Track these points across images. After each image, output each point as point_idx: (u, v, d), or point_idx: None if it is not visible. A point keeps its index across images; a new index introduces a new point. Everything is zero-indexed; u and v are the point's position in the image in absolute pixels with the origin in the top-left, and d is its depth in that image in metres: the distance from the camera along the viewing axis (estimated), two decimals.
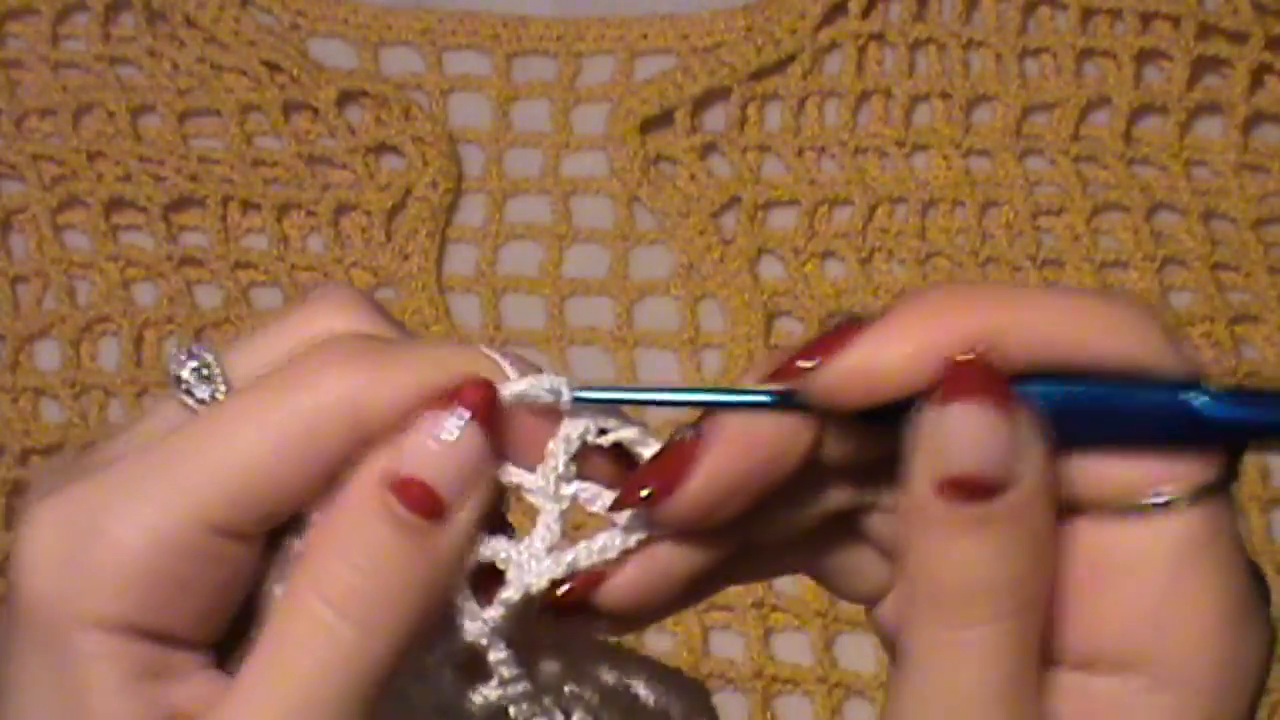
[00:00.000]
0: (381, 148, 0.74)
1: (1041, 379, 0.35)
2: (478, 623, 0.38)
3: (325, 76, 0.73)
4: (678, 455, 0.36)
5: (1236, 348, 0.72)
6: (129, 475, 0.37)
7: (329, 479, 0.37)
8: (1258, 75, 0.74)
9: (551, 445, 0.38)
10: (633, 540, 0.38)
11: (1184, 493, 0.35)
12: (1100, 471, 0.35)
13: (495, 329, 0.73)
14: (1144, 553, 0.35)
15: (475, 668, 0.39)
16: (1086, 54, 0.75)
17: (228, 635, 0.38)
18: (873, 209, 0.74)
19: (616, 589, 0.37)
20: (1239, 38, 0.74)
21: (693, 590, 0.38)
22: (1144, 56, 0.75)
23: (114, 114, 0.73)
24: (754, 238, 0.73)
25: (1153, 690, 0.35)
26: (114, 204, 0.73)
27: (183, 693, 0.37)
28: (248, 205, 0.73)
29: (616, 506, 0.37)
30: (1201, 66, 0.75)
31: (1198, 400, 0.35)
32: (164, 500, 0.36)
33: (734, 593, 0.68)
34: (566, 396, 0.37)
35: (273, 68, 0.73)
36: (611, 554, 0.38)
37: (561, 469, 0.38)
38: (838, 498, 0.37)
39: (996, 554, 0.35)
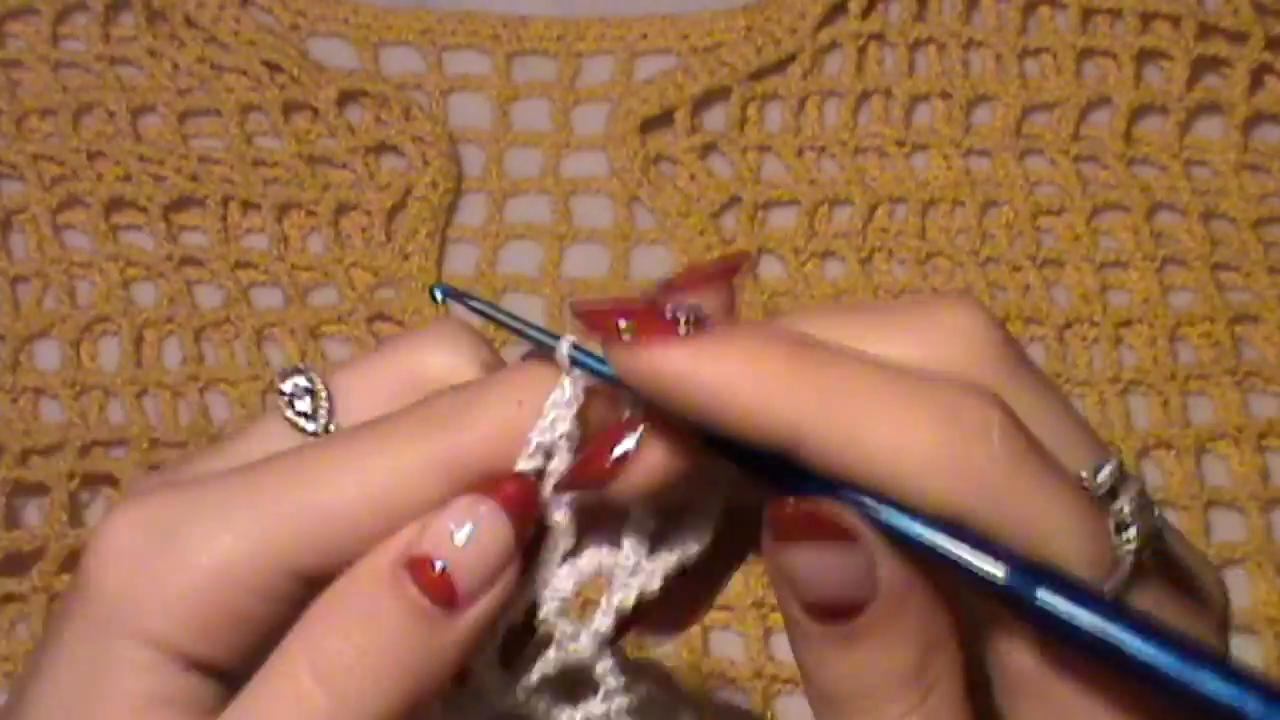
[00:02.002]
0: (381, 148, 0.74)
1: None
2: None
3: (325, 76, 0.73)
4: (607, 443, 0.35)
5: (1236, 348, 0.72)
6: (216, 495, 0.36)
7: (407, 521, 0.36)
8: (1258, 75, 0.74)
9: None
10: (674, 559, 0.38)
11: None
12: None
13: (495, 329, 0.73)
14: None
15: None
16: (1086, 54, 0.75)
17: None
18: (873, 209, 0.74)
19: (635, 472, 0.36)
20: (1239, 38, 0.74)
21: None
22: (1144, 56, 0.75)
23: (114, 114, 0.73)
24: (754, 238, 0.73)
25: None
26: (114, 204, 0.73)
27: None
28: (248, 205, 0.73)
29: (560, 489, 0.37)
30: (1201, 66, 0.75)
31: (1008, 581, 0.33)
32: (245, 531, 0.35)
33: (734, 592, 0.68)
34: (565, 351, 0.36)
35: (273, 68, 0.73)
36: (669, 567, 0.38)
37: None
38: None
39: (876, 659, 0.34)
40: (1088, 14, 0.75)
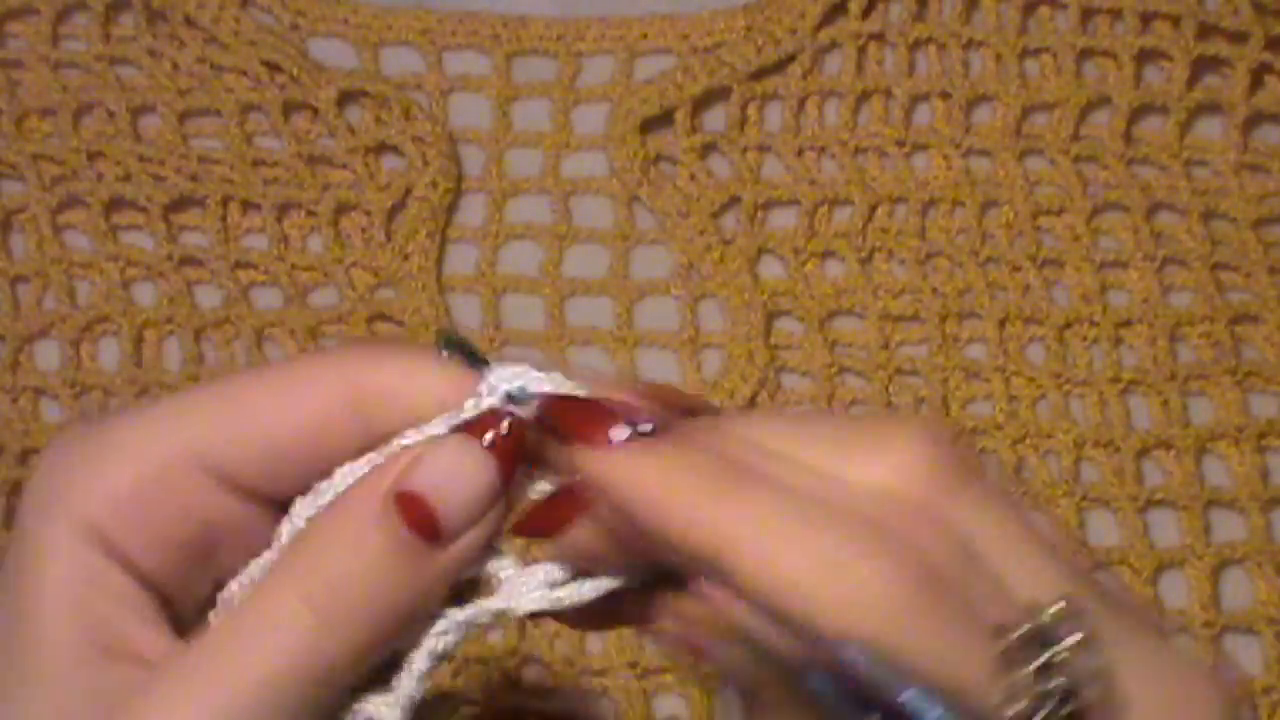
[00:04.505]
0: (381, 148, 0.74)
1: None
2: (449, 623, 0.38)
3: (325, 76, 0.73)
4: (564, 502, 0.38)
5: (1236, 348, 0.72)
6: (140, 409, 0.38)
7: (324, 458, 0.38)
8: (1258, 75, 0.74)
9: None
10: (606, 585, 0.39)
11: None
12: None
13: (495, 329, 0.73)
14: None
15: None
16: (1086, 54, 0.75)
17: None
18: (873, 209, 0.74)
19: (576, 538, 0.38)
20: (1239, 38, 0.74)
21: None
22: (1144, 56, 0.75)
23: (114, 114, 0.73)
24: (754, 238, 0.73)
25: None
26: (114, 204, 0.73)
27: (138, 635, 0.37)
28: (248, 205, 0.73)
29: (513, 533, 0.39)
30: (1201, 66, 0.75)
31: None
32: (161, 428, 0.38)
33: None
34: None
35: (273, 68, 0.73)
36: (592, 594, 0.39)
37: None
38: None
39: None
40: (1088, 14, 0.75)
